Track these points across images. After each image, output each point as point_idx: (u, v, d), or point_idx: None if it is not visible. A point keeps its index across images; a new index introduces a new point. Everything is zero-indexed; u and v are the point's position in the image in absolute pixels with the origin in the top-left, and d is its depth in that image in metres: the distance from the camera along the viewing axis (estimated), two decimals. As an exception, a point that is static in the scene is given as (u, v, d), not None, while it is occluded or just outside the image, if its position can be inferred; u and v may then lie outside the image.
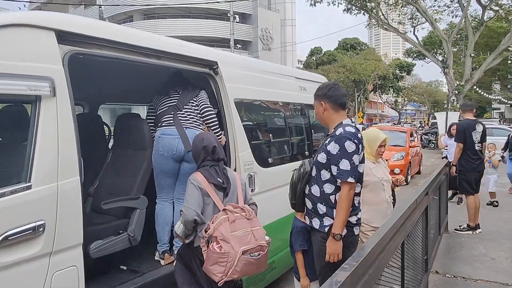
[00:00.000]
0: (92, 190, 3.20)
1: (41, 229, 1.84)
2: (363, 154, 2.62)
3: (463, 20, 21.58)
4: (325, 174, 2.56)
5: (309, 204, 2.66)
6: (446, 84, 26.42)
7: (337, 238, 2.46)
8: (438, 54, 31.95)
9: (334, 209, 2.53)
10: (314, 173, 2.63)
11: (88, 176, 3.25)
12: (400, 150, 10.93)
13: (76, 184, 2.02)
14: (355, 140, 2.50)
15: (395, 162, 10.49)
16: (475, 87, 25.57)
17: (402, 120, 56.91)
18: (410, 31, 26.29)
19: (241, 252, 2.33)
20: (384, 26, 23.66)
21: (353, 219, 2.58)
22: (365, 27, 26.57)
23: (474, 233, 5.73)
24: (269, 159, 3.76)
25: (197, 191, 2.45)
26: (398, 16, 27.35)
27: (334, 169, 2.50)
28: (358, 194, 2.63)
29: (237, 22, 34.82)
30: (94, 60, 2.52)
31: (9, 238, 1.72)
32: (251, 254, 2.40)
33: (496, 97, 32.05)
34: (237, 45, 35.84)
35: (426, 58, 33.31)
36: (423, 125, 45.33)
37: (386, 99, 59.84)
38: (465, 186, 5.70)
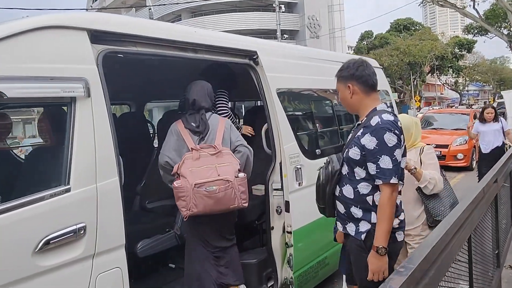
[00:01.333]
0: (139, 189, 3.22)
1: (82, 232, 1.83)
2: (404, 146, 2.20)
3: (531, -13, 19.65)
4: (359, 172, 2.18)
5: (341, 208, 2.28)
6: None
7: (382, 253, 2.08)
8: (502, 28, 29.42)
9: (372, 212, 2.17)
10: (345, 171, 2.24)
11: (136, 175, 3.28)
12: (463, 134, 10.15)
13: (115, 185, 1.99)
14: (396, 131, 2.10)
15: (458, 147, 9.80)
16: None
17: (464, 102, 53.43)
18: (470, 5, 24.38)
19: (193, 185, 2.40)
20: (440, 2, 22.13)
21: (394, 223, 2.18)
22: (419, 5, 25.05)
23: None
24: (316, 150, 3.57)
25: (173, 137, 2.68)
26: (456, -10, 25.54)
27: (371, 167, 2.11)
28: (400, 193, 2.24)
29: (283, 11, 34.38)
30: (132, 58, 2.49)
31: (51, 242, 1.73)
32: (206, 188, 2.43)
33: None
34: (284, 35, 35.42)
35: (489, 33, 30.84)
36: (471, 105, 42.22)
37: (445, 80, 56.41)
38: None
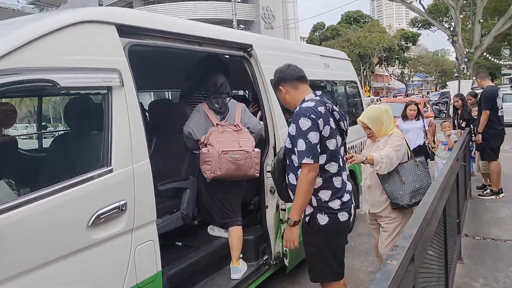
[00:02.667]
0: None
1: (124, 208, 2.03)
2: (330, 128, 2.33)
3: (470, -15, 21.21)
4: (295, 160, 2.35)
5: (291, 195, 2.45)
6: (453, 52, 26.03)
7: (290, 224, 2.32)
8: (444, 22, 31.45)
9: (312, 196, 2.34)
10: (288, 161, 2.46)
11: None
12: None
13: (147, 166, 2.19)
14: (312, 115, 2.26)
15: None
16: (485, 53, 25.24)
17: (409, 92, 56.39)
18: (416, 0, 25.87)
19: (221, 151, 2.83)
20: (389, -3, 23.30)
21: (335, 204, 2.36)
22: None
23: (498, 197, 5.88)
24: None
25: (199, 114, 3.10)
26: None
27: (295, 151, 2.31)
28: (337, 174, 2.39)
29: (238, 2, 34.45)
30: (147, 50, 2.66)
31: (101, 217, 1.91)
32: (231, 155, 2.86)
33: (507, 63, 31.58)
34: (240, 25, 35.53)
35: (432, 27, 32.82)
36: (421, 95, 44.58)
37: (392, 71, 59.21)
38: (489, 152, 5.81)
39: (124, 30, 2.24)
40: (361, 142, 5.06)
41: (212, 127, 2.99)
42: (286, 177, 2.50)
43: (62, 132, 2.39)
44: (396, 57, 50.24)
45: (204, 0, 39.83)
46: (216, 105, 3.11)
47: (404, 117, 5.89)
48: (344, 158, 2.57)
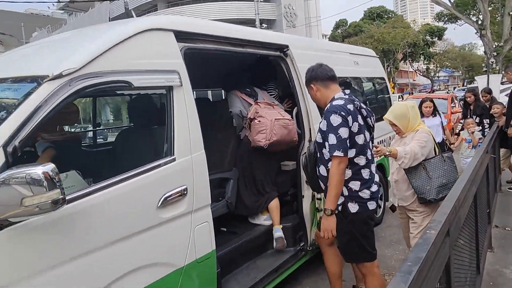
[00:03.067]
0: None
1: (185, 192, 2.31)
2: (359, 124, 2.54)
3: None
4: (326, 153, 2.56)
5: (322, 185, 2.70)
6: (481, 46, 25.43)
7: (327, 213, 2.52)
8: (471, 15, 30.76)
9: (344, 187, 2.55)
10: (318, 154, 2.67)
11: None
12: (442, 117, 10.93)
13: (203, 156, 2.47)
14: (342, 113, 2.47)
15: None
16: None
17: (435, 88, 55.29)
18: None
19: (274, 120, 3.31)
20: (414, -8, 23.02)
21: (365, 194, 2.57)
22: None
23: (528, 190, 5.91)
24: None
25: (235, 97, 3.69)
26: (428, -20, 26.51)
27: (326, 145, 2.52)
28: (366, 167, 2.59)
29: (260, 1, 34.69)
30: (197, 53, 2.94)
31: (168, 199, 2.19)
32: (283, 122, 3.37)
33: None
34: (262, 24, 35.80)
35: (458, 21, 32.09)
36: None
37: (417, 67, 58.18)
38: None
39: (180, 36, 2.51)
40: (389, 137, 5.21)
41: (254, 104, 3.47)
42: (317, 169, 2.73)
43: (129, 127, 2.69)
44: (421, 52, 49.34)
45: (227, 0, 40.26)
46: (247, 89, 3.71)
47: (420, 114, 5.55)
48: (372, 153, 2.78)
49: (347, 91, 2.78)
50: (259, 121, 3.29)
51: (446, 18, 37.53)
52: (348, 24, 50.19)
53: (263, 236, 3.48)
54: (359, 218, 2.59)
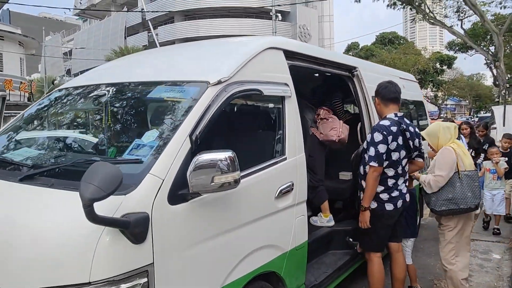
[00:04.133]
0: None
1: (292, 187, 2.70)
2: (397, 144, 3.10)
3: (514, 12, 21.35)
4: (366, 157, 3.17)
5: (361, 181, 3.29)
6: (490, 77, 25.94)
7: (362, 209, 3.18)
8: (483, 46, 31.44)
9: None
10: (363, 156, 3.26)
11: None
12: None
13: (303, 157, 2.87)
14: (384, 132, 3.07)
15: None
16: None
17: (442, 115, 55.81)
18: (457, 25, 26.16)
19: (342, 122, 4.01)
20: (431, 20, 23.71)
21: (384, 196, 3.18)
22: (411, 22, 26.58)
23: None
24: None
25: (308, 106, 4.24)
26: (443, 10, 27.29)
27: (366, 156, 3.14)
28: (392, 177, 3.18)
29: (278, 20, 35.61)
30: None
31: (282, 191, 2.59)
32: (346, 125, 4.00)
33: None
34: (277, 43, 36.48)
35: (469, 50, 32.77)
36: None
37: (425, 94, 58.76)
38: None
39: (287, 54, 2.94)
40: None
41: (320, 109, 4.11)
42: (360, 168, 3.32)
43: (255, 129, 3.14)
44: (431, 79, 49.98)
45: (243, 17, 41.21)
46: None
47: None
48: (405, 168, 3.30)
49: (400, 114, 3.30)
50: (332, 120, 3.90)
51: (457, 48, 38.29)
52: (360, 48, 51.07)
53: (326, 237, 3.84)
54: (374, 213, 3.18)
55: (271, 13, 30.00)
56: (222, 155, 1.88)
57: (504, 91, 21.33)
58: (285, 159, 2.67)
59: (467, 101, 66.58)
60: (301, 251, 2.83)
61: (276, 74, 2.74)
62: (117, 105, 2.64)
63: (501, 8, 25.45)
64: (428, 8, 23.97)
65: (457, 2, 24.90)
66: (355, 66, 3.96)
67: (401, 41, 53.65)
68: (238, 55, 2.50)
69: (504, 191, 5.70)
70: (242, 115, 3.06)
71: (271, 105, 2.93)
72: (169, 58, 3.00)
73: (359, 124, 4.09)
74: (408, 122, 3.35)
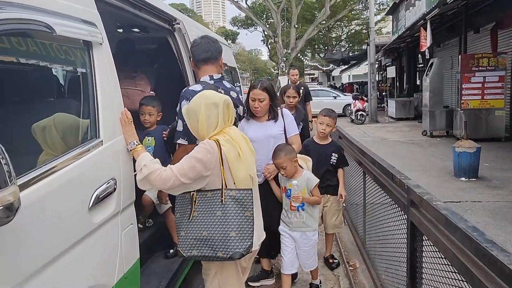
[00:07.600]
0: None
1: (115, 186, 1.74)
2: None
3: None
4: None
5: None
6: (267, 52, 28.83)
7: None
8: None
9: None
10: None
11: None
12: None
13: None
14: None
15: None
16: (299, 54, 29.23)
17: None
18: (242, 0, 27.95)
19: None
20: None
21: None
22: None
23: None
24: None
25: None
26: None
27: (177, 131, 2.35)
28: None
29: None
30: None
31: (99, 197, 1.60)
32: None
33: (312, 64, 37.29)
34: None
35: (250, 27, 35.96)
36: None
37: (210, 67, 61.84)
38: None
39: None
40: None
41: None
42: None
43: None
44: (217, 53, 52.62)
45: None
46: None
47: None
48: None
49: (217, 76, 2.54)
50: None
51: (240, 24, 41.51)
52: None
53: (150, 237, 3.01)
54: None
55: None
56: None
57: (282, 64, 24.18)
58: (101, 143, 1.68)
59: (248, 74, 74.07)
60: (132, 275, 1.92)
61: (76, 5, 1.65)
62: None
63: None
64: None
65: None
66: (175, 17, 3.12)
67: (190, 14, 54.44)
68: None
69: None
70: (12, 75, 1.71)
71: (69, 57, 1.77)
72: None
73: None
74: (228, 85, 2.60)
